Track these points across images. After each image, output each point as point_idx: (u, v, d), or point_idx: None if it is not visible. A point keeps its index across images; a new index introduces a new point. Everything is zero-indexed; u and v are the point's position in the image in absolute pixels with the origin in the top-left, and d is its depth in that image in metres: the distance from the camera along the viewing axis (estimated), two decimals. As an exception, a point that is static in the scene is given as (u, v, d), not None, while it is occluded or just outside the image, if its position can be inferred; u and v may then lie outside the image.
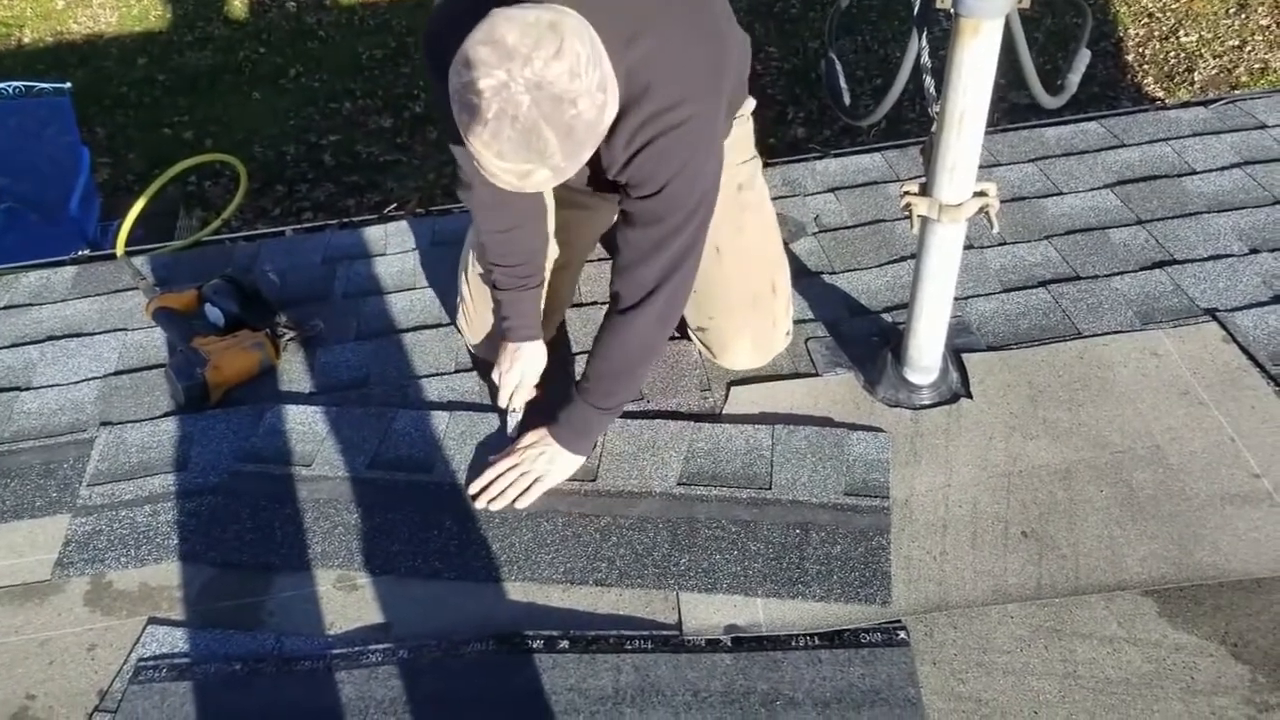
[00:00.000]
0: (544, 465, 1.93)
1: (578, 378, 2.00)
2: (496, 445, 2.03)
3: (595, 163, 1.70)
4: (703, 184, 1.75)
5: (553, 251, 2.11)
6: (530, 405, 2.09)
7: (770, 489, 1.93)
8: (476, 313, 2.21)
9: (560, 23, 1.46)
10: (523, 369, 2.06)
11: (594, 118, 1.51)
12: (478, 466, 2.00)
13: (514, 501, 1.91)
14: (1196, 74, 6.31)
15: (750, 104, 2.10)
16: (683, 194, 1.72)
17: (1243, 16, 6.74)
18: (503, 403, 2.07)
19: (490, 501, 1.92)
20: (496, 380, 2.08)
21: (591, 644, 1.70)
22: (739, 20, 1.89)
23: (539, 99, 1.44)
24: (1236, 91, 4.51)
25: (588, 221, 2.17)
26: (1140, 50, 6.59)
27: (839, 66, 1.88)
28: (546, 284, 2.10)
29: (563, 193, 1.99)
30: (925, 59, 1.72)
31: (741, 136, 2.08)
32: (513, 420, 2.07)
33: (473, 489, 1.94)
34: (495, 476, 1.94)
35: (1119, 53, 6.57)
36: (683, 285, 1.85)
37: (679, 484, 1.95)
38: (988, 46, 1.62)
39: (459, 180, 1.99)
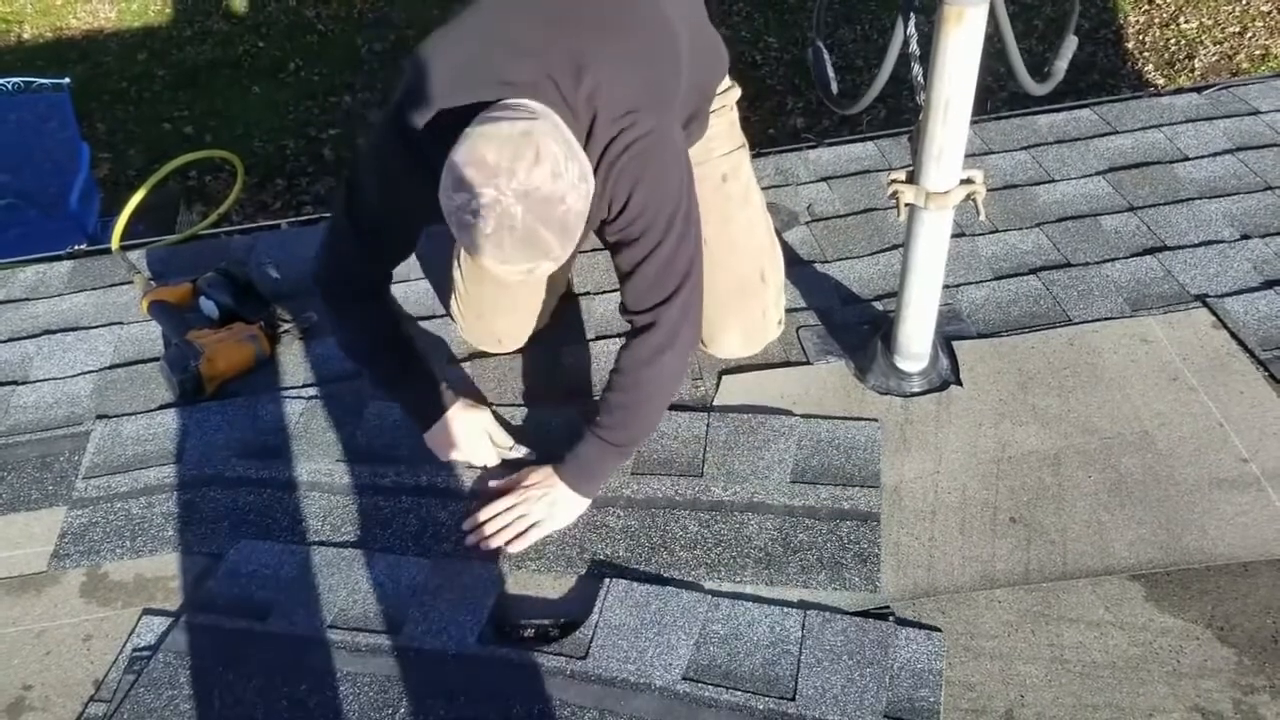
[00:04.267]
0: (544, 509, 1.86)
1: (594, 415, 1.89)
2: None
3: None
4: (670, 192, 1.73)
5: None
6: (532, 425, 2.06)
7: (794, 699, 1.59)
8: (469, 300, 2.22)
9: (532, 130, 1.52)
10: (480, 428, 2.00)
11: (583, 207, 1.58)
12: (477, 495, 1.95)
13: (507, 544, 1.84)
14: (1197, 61, 6.29)
15: (734, 94, 2.11)
16: (652, 205, 1.71)
17: (1243, 2, 6.71)
18: (491, 462, 2.01)
19: (482, 541, 1.85)
20: (466, 462, 2.02)
21: None
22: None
23: (530, 205, 1.50)
24: (1232, 78, 4.50)
25: None
26: (1140, 37, 6.57)
27: (826, 55, 1.89)
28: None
29: None
30: (914, 47, 1.72)
31: (724, 128, 2.08)
32: (524, 454, 2.02)
33: (466, 524, 1.89)
34: (491, 515, 1.87)
35: (1119, 40, 6.55)
36: (690, 300, 1.79)
37: (684, 678, 1.63)
38: (972, 34, 1.62)
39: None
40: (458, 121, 1.56)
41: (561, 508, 1.87)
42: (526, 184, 1.49)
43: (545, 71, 1.61)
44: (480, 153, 1.50)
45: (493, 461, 1.99)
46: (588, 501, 1.90)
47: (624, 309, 1.84)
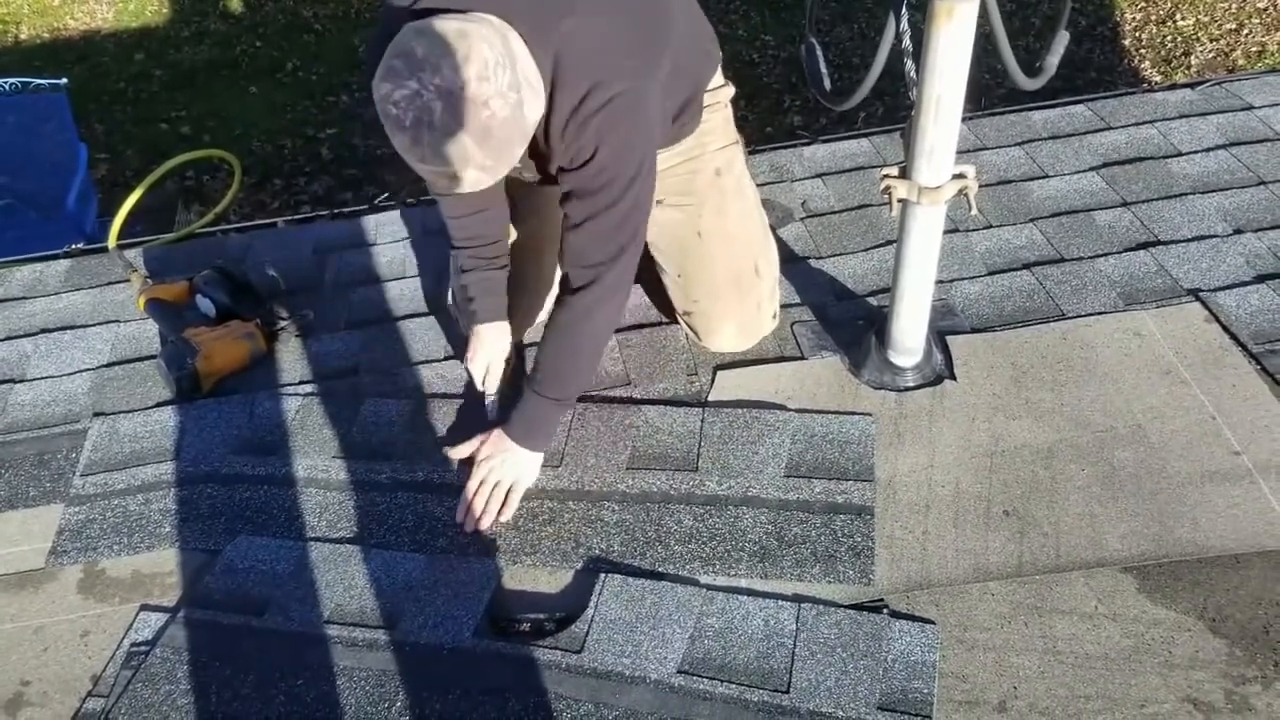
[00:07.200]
0: (510, 470, 1.91)
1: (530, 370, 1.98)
2: (472, 430, 2.03)
3: (542, 157, 1.79)
4: (635, 156, 1.75)
5: (523, 235, 2.15)
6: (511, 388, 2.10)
7: (788, 691, 1.60)
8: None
9: (469, 30, 1.53)
10: (489, 353, 2.08)
11: (509, 115, 1.57)
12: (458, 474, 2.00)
13: (498, 516, 1.89)
14: (1193, 57, 6.30)
15: (728, 91, 2.12)
16: (613, 164, 1.73)
17: (1239, -1, 6.73)
18: (478, 386, 2.09)
19: (476, 523, 1.89)
20: (467, 368, 2.11)
21: None
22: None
23: (450, 104, 1.52)
24: (1227, 74, 4.51)
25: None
26: (1137, 34, 6.58)
27: (819, 52, 1.90)
28: (512, 269, 2.12)
29: (527, 186, 2.02)
30: (907, 43, 1.73)
31: (719, 124, 2.10)
32: (491, 405, 2.08)
33: (458, 516, 1.92)
34: (470, 498, 1.92)
35: (1115, 37, 6.56)
36: (627, 269, 1.85)
37: (679, 671, 1.63)
38: (962, 30, 1.63)
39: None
40: None
41: (523, 464, 1.93)
42: (449, 82, 1.51)
43: (519, 10, 1.62)
44: (410, 45, 1.52)
45: (477, 380, 2.09)
46: (541, 455, 1.95)
47: (564, 263, 1.87)
